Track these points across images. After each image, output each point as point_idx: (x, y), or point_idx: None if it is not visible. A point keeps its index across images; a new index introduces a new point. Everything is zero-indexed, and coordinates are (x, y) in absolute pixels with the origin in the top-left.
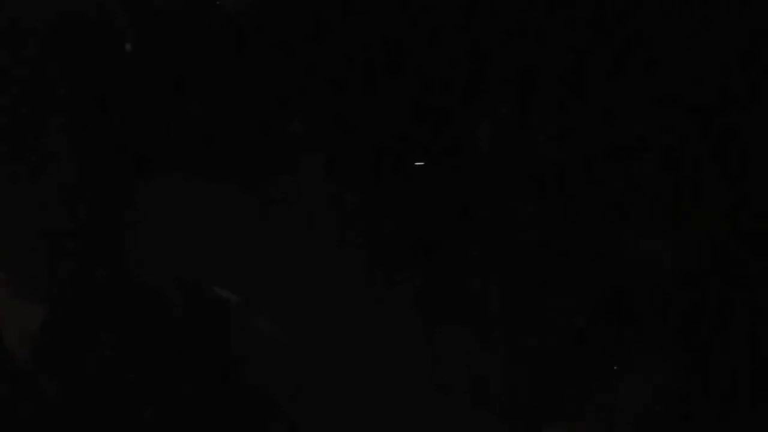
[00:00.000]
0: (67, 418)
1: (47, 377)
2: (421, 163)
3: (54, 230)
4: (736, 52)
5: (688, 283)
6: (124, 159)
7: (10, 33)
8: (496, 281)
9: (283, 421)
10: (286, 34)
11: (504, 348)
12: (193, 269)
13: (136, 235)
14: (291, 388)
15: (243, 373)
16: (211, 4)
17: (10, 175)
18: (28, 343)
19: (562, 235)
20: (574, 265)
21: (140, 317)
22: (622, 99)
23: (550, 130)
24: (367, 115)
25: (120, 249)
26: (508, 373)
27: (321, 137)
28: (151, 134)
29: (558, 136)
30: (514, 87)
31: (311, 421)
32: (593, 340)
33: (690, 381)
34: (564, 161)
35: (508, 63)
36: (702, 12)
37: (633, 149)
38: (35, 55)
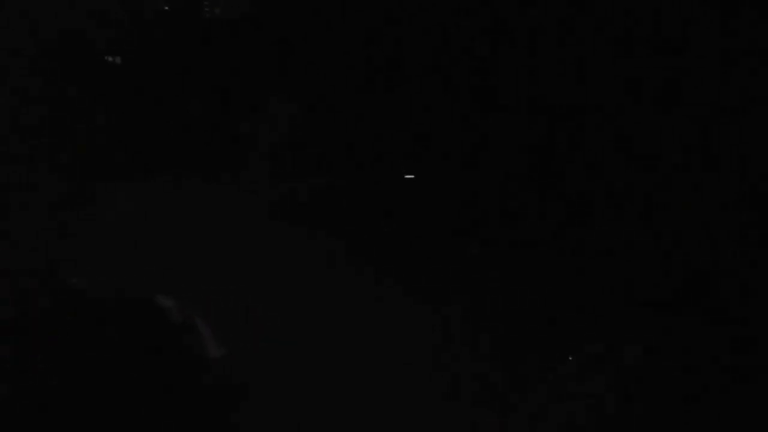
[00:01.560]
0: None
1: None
2: (411, 177)
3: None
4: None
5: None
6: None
7: (18, 42)
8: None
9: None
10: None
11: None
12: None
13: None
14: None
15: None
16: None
17: None
18: None
19: (559, 234)
20: (574, 263)
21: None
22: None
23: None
24: (358, 117)
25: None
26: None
27: (307, 137)
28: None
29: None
30: (514, 88)
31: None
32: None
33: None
34: (563, 161)
35: (508, 64)
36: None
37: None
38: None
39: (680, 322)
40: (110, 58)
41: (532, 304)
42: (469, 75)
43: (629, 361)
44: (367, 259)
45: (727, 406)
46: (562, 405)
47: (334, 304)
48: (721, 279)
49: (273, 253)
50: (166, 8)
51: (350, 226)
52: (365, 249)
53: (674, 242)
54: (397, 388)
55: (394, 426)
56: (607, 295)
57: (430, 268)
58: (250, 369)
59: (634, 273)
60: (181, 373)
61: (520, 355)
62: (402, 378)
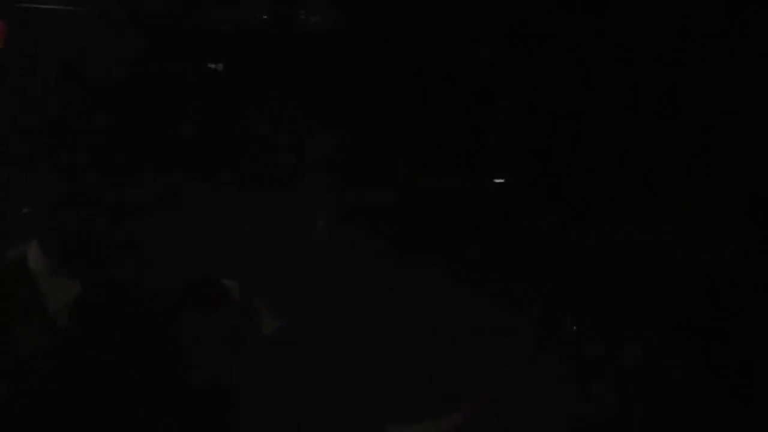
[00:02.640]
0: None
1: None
2: (501, 180)
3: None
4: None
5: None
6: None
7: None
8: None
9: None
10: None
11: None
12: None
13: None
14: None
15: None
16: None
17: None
18: (67, 312)
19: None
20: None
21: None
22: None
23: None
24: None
25: (134, 245)
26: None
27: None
28: (153, 134)
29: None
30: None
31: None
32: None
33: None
34: (568, 162)
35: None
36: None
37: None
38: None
39: (680, 322)
40: (213, 65)
41: (532, 305)
42: (469, 76)
43: (629, 361)
44: (365, 262)
45: (727, 406)
46: (562, 405)
47: (331, 305)
48: (721, 279)
49: (271, 254)
50: (265, 17)
51: (349, 228)
52: (364, 252)
53: (674, 243)
54: (396, 389)
55: (393, 427)
56: (607, 295)
57: (430, 271)
58: (250, 370)
59: (634, 274)
60: (181, 373)
61: (519, 355)
62: (401, 379)
